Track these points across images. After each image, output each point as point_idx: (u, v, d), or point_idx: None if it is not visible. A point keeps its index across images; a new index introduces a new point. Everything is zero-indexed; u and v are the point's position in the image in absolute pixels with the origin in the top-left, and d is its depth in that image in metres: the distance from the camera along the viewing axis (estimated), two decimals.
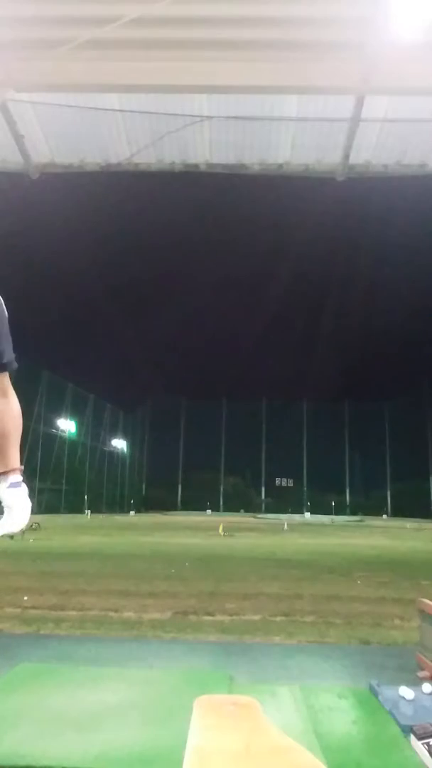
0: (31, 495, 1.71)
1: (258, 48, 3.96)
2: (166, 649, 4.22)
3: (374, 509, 54.60)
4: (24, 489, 1.71)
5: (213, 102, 4.55)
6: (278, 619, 5.29)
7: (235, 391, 59.52)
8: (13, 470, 1.71)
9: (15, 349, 1.76)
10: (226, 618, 5.26)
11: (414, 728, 2.39)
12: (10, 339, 1.75)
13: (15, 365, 1.76)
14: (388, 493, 60.31)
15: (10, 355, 1.74)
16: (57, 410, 44.32)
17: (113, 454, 56.65)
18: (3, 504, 1.69)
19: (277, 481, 64.11)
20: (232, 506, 57.23)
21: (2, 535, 1.63)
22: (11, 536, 1.63)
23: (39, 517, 23.46)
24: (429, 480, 53.41)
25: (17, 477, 1.72)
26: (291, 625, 5.02)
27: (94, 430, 51.89)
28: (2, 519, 1.68)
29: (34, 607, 5.51)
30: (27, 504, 1.70)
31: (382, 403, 61.32)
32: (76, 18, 3.74)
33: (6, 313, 1.75)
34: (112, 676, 3.32)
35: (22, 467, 1.74)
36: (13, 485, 1.70)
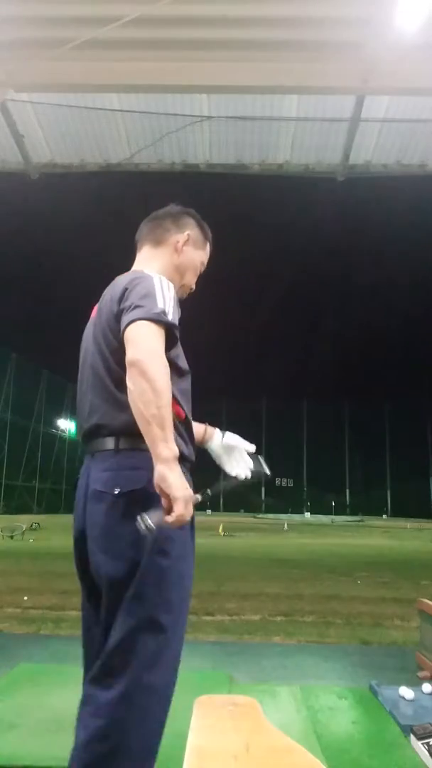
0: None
1: (258, 48, 3.95)
2: None
3: (374, 509, 54.60)
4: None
5: (213, 102, 4.55)
6: (278, 619, 5.29)
7: (235, 391, 59.51)
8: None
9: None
10: (226, 618, 5.26)
11: (414, 728, 2.39)
12: None
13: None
14: (388, 493, 60.31)
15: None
16: (57, 410, 44.34)
17: None
18: (221, 453, 1.85)
19: (277, 481, 64.09)
20: (232, 506, 57.23)
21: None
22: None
23: (39, 517, 23.44)
24: (429, 480, 53.45)
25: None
26: (291, 625, 5.02)
27: None
28: (230, 465, 1.82)
29: (34, 607, 5.51)
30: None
31: (382, 403, 61.35)
32: (76, 18, 3.73)
33: None
34: None
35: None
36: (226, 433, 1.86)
